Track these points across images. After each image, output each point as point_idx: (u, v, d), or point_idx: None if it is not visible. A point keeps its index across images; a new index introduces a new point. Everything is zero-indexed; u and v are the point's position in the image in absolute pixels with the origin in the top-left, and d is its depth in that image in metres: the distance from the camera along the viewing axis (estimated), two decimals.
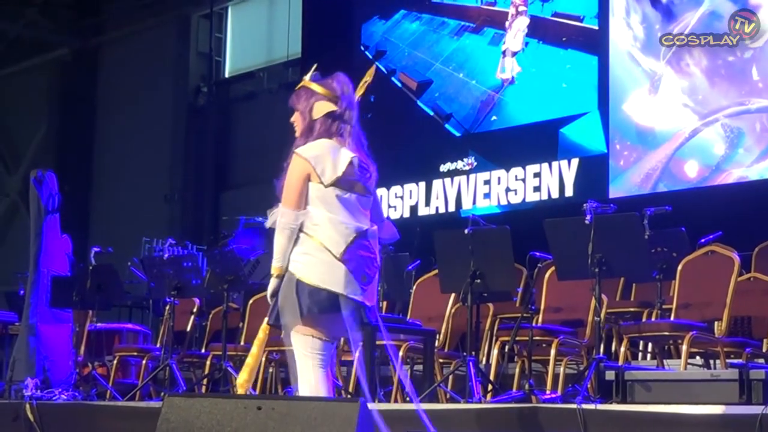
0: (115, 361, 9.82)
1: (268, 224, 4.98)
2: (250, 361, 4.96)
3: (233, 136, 16.10)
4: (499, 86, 11.47)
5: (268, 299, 4.94)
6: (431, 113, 12.02)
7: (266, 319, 4.94)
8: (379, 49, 12.78)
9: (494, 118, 11.45)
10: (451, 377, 7.56)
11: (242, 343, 8.86)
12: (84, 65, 17.80)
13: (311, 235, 4.82)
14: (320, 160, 4.84)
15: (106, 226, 16.51)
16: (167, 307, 9.10)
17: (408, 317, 8.22)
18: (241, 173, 15.61)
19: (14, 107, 18.86)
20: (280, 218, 4.86)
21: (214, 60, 16.18)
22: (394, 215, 12.14)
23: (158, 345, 9.95)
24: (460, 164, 11.67)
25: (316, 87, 4.98)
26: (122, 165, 16.87)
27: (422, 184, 11.99)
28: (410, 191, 12.10)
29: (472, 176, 11.55)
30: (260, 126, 14.76)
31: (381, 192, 12.27)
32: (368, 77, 5.23)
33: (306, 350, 4.82)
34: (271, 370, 8.77)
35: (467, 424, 5.94)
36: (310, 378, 4.81)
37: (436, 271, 7.90)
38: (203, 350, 9.50)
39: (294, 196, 4.83)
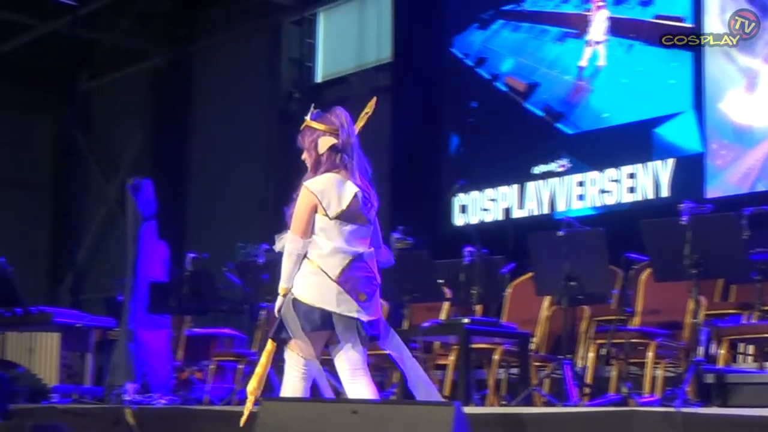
0: (212, 366, 9.92)
1: (276, 248, 5.47)
2: (259, 370, 5.50)
3: None
4: (595, 79, 11.38)
5: (276, 314, 5.41)
6: (541, 114, 11.91)
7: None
8: (480, 57, 12.74)
9: (606, 115, 11.31)
10: (547, 380, 7.52)
11: None
12: (178, 74, 18.00)
13: (312, 260, 5.29)
14: (326, 194, 5.27)
15: (202, 233, 16.67)
16: (263, 312, 9.16)
17: (502, 320, 8.19)
18: None
19: (111, 117, 19.14)
20: (288, 244, 5.33)
21: (305, 65, 16.26)
22: (488, 218, 12.11)
23: (254, 350, 10.01)
24: (553, 166, 11.60)
25: (316, 125, 5.46)
26: (217, 172, 17.03)
27: (516, 187, 11.93)
28: (504, 194, 12.05)
29: (566, 178, 11.47)
30: None
31: (474, 195, 12.25)
32: (369, 109, 5.57)
33: (290, 364, 5.43)
34: None
35: (564, 427, 5.89)
36: (289, 389, 5.40)
37: (531, 273, 7.85)
38: None
39: (302, 225, 5.29)
